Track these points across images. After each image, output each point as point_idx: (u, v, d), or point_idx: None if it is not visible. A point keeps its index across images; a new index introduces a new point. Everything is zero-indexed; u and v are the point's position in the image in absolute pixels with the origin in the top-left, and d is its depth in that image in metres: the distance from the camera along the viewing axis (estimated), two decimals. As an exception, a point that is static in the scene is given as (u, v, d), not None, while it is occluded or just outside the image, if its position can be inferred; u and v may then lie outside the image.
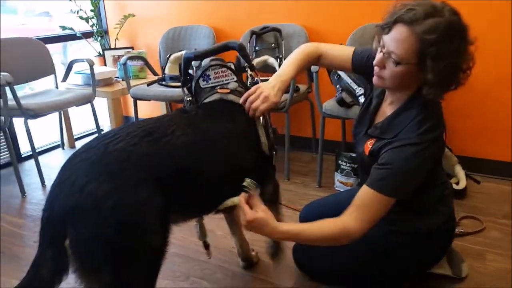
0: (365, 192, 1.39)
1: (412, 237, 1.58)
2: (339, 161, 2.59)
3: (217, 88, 1.56)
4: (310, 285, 1.80)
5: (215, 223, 1.86)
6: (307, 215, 1.88)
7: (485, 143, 2.71)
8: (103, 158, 1.17)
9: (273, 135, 1.58)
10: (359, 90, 2.38)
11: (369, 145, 1.51)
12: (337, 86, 2.48)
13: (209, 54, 1.64)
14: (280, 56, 2.94)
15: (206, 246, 1.80)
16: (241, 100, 1.50)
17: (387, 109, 1.53)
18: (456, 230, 2.04)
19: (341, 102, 2.46)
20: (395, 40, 1.29)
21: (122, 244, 1.16)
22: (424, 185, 1.46)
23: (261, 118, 1.50)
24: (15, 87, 2.96)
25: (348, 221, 1.38)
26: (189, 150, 1.31)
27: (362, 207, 1.39)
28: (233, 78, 1.57)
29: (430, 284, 1.75)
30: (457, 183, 2.43)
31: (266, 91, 1.47)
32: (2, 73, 2.61)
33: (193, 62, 1.65)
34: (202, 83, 1.57)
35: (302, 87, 2.91)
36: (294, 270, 1.85)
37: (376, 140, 1.49)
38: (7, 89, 2.64)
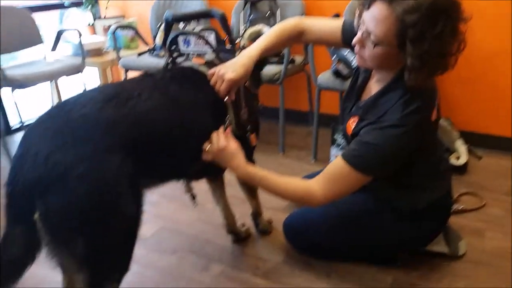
0: (338, 163, 1.36)
1: (407, 213, 1.53)
2: (335, 136, 2.50)
3: (193, 55, 1.50)
4: (301, 259, 1.74)
5: (205, 196, 1.80)
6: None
7: (488, 118, 2.62)
8: (66, 126, 1.10)
9: (248, 114, 1.49)
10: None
11: (351, 123, 1.46)
12: (333, 57, 2.36)
13: (189, 17, 1.61)
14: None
15: (193, 197, 1.72)
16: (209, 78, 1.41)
17: (373, 87, 1.45)
18: (455, 206, 1.99)
19: (337, 74, 2.35)
20: (374, 19, 1.20)
21: (94, 214, 1.10)
22: (416, 161, 1.42)
23: (227, 97, 1.41)
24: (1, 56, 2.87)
25: (315, 187, 1.38)
26: (157, 114, 1.25)
27: (332, 177, 1.37)
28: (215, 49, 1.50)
29: (426, 262, 1.69)
30: (458, 159, 2.35)
31: (223, 70, 1.37)
32: (-16, 41, 2.51)
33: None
34: (182, 47, 1.51)
35: (298, 59, 2.80)
36: (285, 245, 1.80)
37: (358, 119, 1.43)
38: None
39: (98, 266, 1.18)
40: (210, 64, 1.46)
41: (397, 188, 1.52)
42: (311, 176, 1.92)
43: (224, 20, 1.54)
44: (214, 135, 1.38)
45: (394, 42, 1.20)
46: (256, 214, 1.89)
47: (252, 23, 2.89)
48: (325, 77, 2.44)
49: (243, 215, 1.92)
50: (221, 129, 1.40)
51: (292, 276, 1.66)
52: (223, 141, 1.36)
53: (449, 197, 1.62)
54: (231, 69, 1.36)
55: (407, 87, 1.27)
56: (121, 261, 1.23)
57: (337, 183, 1.37)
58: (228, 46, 1.63)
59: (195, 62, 1.47)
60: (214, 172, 1.65)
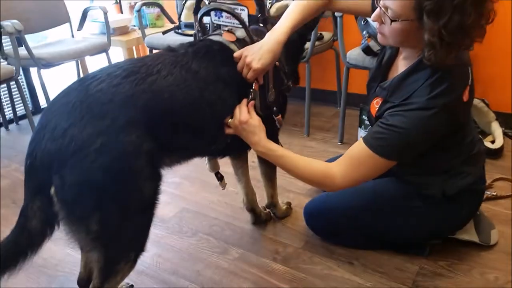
0: (359, 147, 1.31)
1: (436, 199, 1.46)
2: (363, 116, 2.40)
3: (224, 30, 1.43)
4: (322, 245, 1.69)
5: (227, 179, 1.78)
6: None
7: (527, 99, 2.45)
8: (85, 101, 1.10)
9: (275, 95, 1.44)
10: (388, 37, 2.15)
11: (375, 104, 1.39)
12: (364, 33, 2.24)
13: None
14: None
15: (219, 177, 1.74)
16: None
17: (400, 65, 1.37)
18: (488, 192, 1.88)
19: (367, 51, 2.23)
20: None
21: (110, 189, 1.10)
22: (448, 146, 1.35)
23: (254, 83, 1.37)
24: (29, 36, 2.89)
25: (335, 170, 1.34)
26: (177, 90, 1.22)
27: (353, 161, 1.32)
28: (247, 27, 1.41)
29: (455, 251, 1.60)
30: (493, 142, 2.22)
31: (249, 57, 1.31)
32: (11, 21, 2.52)
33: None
34: (214, 18, 1.45)
35: (327, 35, 2.69)
36: (306, 230, 1.75)
37: (382, 101, 1.35)
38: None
39: (112, 245, 1.17)
40: (241, 42, 1.41)
41: (427, 173, 1.45)
42: (334, 159, 1.87)
43: None
44: (237, 109, 1.35)
45: (412, 16, 1.13)
46: (272, 205, 1.84)
47: (279, -2, 2.79)
48: (354, 54, 2.32)
49: (265, 199, 1.87)
50: (244, 102, 1.36)
51: (312, 263, 1.61)
52: (245, 114, 1.33)
53: (481, 183, 1.53)
54: (258, 57, 1.30)
55: (430, 65, 1.18)
56: (136, 241, 1.22)
57: (358, 168, 1.32)
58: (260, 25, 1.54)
59: (226, 37, 1.41)
60: (237, 150, 1.62)
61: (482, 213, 1.68)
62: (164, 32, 2.99)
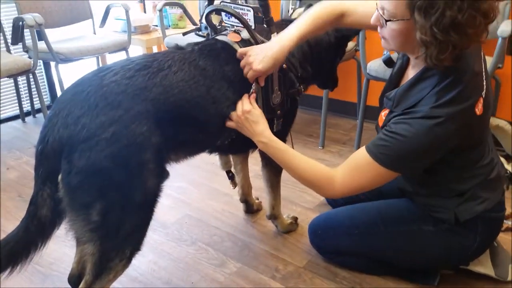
0: (361, 154, 1.26)
1: (448, 224, 1.37)
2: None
3: (231, 30, 1.44)
4: (325, 265, 1.60)
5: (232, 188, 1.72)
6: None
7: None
8: (99, 90, 1.12)
9: (281, 99, 1.43)
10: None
11: (383, 116, 1.32)
12: (386, 44, 2.15)
13: None
14: (327, 7, 2.61)
15: (230, 176, 1.78)
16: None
17: (409, 74, 1.30)
18: (508, 223, 1.75)
19: (388, 62, 2.08)
20: None
21: (117, 180, 1.10)
22: (460, 165, 1.28)
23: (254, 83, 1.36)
24: (52, 30, 2.91)
25: (337, 176, 1.29)
26: (186, 86, 1.24)
27: (353, 168, 1.27)
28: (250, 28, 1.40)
29: (468, 284, 1.49)
30: (518, 168, 2.08)
31: (252, 57, 1.30)
32: (32, 14, 2.53)
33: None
34: (224, 18, 1.48)
35: (350, 44, 2.59)
36: (310, 248, 1.66)
37: (388, 112, 1.28)
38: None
39: (109, 238, 1.15)
40: (245, 42, 1.40)
41: (440, 195, 1.36)
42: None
43: None
44: (239, 102, 1.35)
45: (407, 15, 1.08)
46: (272, 216, 1.77)
47: (302, 3, 2.72)
48: (375, 65, 2.23)
49: (260, 189, 1.84)
50: (246, 95, 1.36)
51: (313, 284, 1.53)
52: (247, 104, 1.33)
53: (499, 210, 1.41)
54: (260, 59, 1.29)
55: (438, 72, 1.14)
56: (133, 237, 1.20)
57: (357, 175, 1.26)
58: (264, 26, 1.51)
59: (231, 37, 1.41)
60: (241, 146, 1.58)
61: (500, 245, 1.55)
62: (185, 33, 2.94)
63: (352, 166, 1.27)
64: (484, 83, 1.20)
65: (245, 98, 1.35)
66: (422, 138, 1.16)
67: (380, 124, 1.33)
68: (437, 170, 1.29)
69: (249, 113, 1.32)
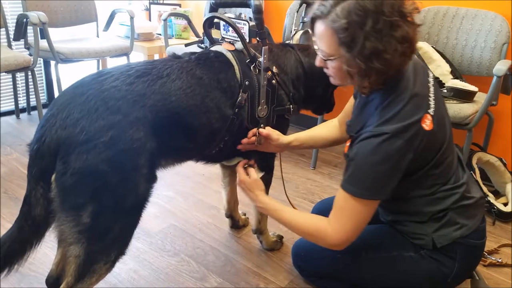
0: (339, 193, 1.29)
1: (427, 250, 1.38)
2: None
3: (226, 41, 1.51)
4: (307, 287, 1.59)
5: (221, 201, 1.70)
6: (320, 212, 1.67)
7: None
8: (99, 95, 1.14)
9: (267, 113, 1.49)
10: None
11: (347, 145, 1.35)
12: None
13: (229, 4, 1.70)
14: (329, 32, 2.64)
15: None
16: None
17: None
18: (492, 258, 1.76)
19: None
20: (318, 38, 1.21)
21: (111, 184, 1.11)
22: (430, 186, 1.31)
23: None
24: (55, 30, 2.93)
25: (326, 223, 1.31)
26: (184, 94, 1.27)
27: (339, 211, 1.29)
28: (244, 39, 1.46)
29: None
30: (506, 204, 2.09)
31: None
32: (37, 12, 2.55)
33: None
34: (222, 32, 1.54)
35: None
36: (292, 269, 1.66)
37: (350, 138, 1.34)
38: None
39: (97, 240, 1.16)
40: (238, 52, 1.46)
41: (416, 220, 1.37)
42: (325, 201, 1.80)
43: (257, 11, 1.49)
44: (237, 168, 1.50)
45: (338, 52, 1.16)
46: (258, 231, 1.77)
47: (304, 25, 2.75)
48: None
49: (248, 205, 1.83)
50: (241, 163, 1.50)
51: (292, 305, 1.52)
52: (242, 176, 1.46)
53: (478, 238, 1.41)
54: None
55: (387, 85, 1.21)
56: (120, 241, 1.21)
57: (343, 217, 1.27)
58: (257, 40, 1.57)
59: (225, 46, 1.47)
60: (227, 157, 1.60)
61: (482, 279, 1.55)
62: (187, 45, 2.97)
63: (336, 208, 1.28)
64: (432, 104, 1.24)
65: (239, 167, 1.48)
66: (374, 156, 1.19)
67: (346, 151, 1.36)
68: (408, 195, 1.32)
69: (243, 183, 1.45)
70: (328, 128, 1.67)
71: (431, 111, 1.23)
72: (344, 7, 1.11)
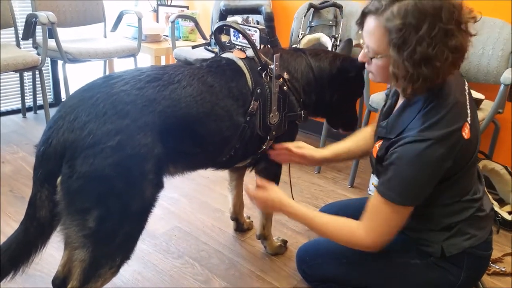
0: (374, 196, 1.26)
1: (434, 258, 1.37)
2: (378, 163, 2.31)
3: (236, 48, 1.50)
4: (310, 294, 1.59)
5: (226, 203, 1.71)
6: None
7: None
8: (108, 98, 1.13)
9: (278, 120, 1.47)
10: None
11: (377, 147, 1.32)
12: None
13: (240, 11, 1.73)
14: (336, 35, 2.64)
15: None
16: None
17: (399, 104, 1.32)
18: (496, 267, 1.75)
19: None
20: (367, 33, 1.19)
21: (117, 188, 1.10)
22: (451, 196, 1.29)
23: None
24: (63, 29, 2.94)
25: (360, 225, 1.28)
26: (194, 101, 1.26)
27: (374, 214, 1.26)
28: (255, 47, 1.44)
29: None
30: (510, 213, 2.08)
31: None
32: (46, 12, 2.56)
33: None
34: (233, 38, 1.53)
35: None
36: (296, 273, 1.66)
37: (382, 140, 1.30)
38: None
39: (103, 245, 1.15)
40: (250, 60, 1.44)
41: (428, 228, 1.37)
42: (328, 206, 1.80)
43: (268, 19, 1.49)
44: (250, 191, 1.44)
45: (388, 51, 1.14)
46: (262, 236, 1.77)
47: (312, 30, 2.76)
48: (378, 98, 2.26)
49: (253, 208, 1.83)
50: (257, 181, 1.46)
51: (295, 311, 1.52)
52: (261, 193, 1.42)
53: (486, 249, 1.41)
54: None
55: (431, 90, 1.18)
56: (125, 246, 1.20)
57: (377, 220, 1.25)
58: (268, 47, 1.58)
59: (236, 54, 1.46)
60: (239, 162, 1.59)
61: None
62: (194, 47, 2.98)
63: (369, 212, 1.27)
64: (469, 112, 1.24)
65: (249, 192, 1.43)
66: (417, 162, 1.17)
67: (374, 154, 1.34)
68: (429, 203, 1.30)
69: (267, 201, 1.41)
70: (366, 138, 1.60)
71: (469, 119, 1.22)
72: (401, 6, 1.08)
